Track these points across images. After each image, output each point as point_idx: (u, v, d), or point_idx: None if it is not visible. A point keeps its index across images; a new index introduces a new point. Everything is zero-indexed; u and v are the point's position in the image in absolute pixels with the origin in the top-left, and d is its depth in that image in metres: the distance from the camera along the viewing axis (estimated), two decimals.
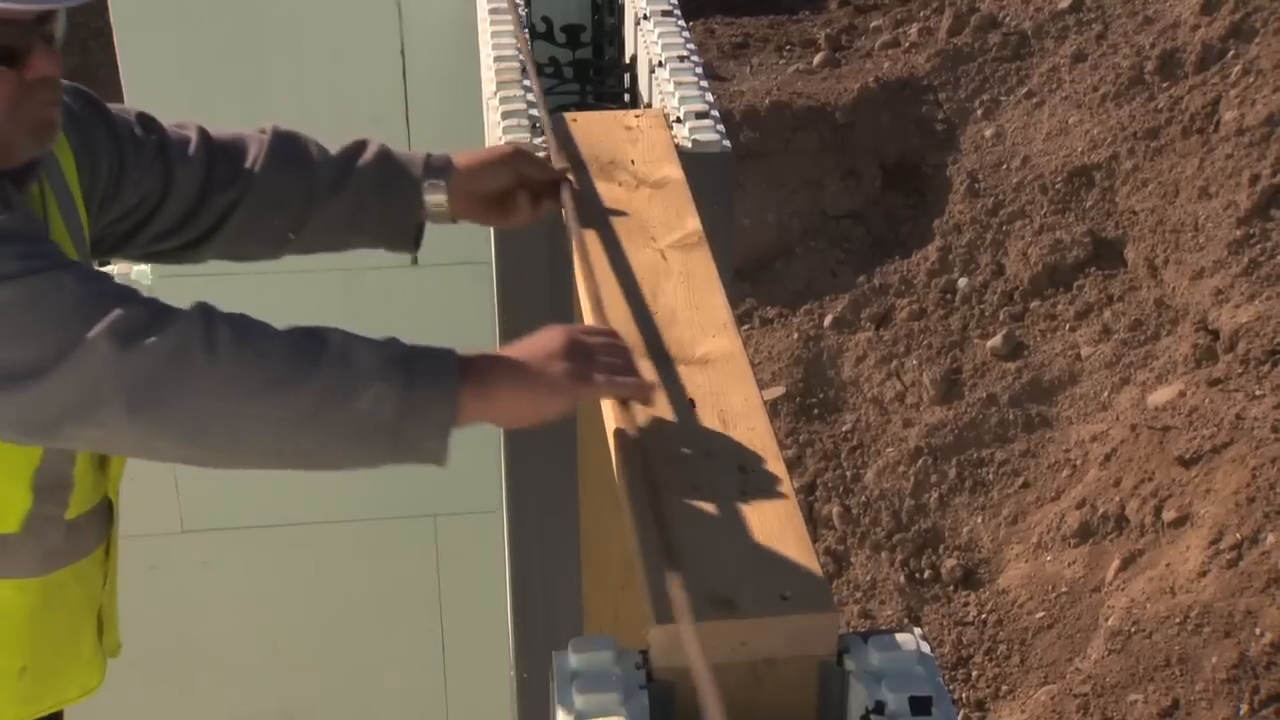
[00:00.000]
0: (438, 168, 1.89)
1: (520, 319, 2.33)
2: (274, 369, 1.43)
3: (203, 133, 1.91)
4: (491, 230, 2.30)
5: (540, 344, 1.50)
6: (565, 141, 2.10)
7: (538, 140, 2.21)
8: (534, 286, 2.27)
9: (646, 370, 1.62)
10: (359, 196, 1.89)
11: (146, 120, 1.89)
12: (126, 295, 1.48)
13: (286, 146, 1.90)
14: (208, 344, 1.43)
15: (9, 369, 1.43)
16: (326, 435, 1.45)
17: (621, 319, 1.71)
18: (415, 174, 1.88)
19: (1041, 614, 5.19)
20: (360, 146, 1.91)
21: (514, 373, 1.49)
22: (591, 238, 1.88)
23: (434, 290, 3.66)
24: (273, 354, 1.44)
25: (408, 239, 1.94)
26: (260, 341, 1.45)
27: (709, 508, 1.39)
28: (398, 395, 1.45)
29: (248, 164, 1.88)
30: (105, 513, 1.87)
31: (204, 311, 1.47)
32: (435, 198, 1.88)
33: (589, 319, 1.74)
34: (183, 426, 1.43)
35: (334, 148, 1.92)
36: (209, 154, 1.88)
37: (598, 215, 1.93)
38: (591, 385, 1.46)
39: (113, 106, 1.90)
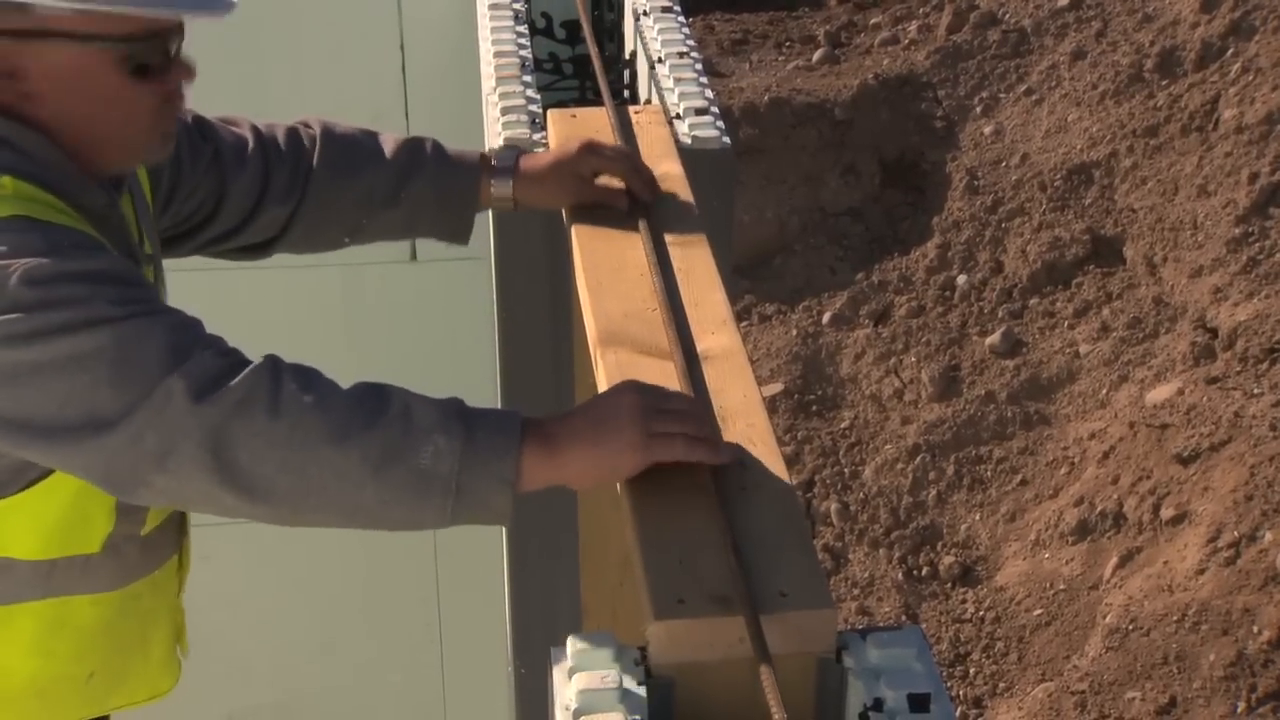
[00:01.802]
0: (503, 169, 1.89)
1: (519, 314, 2.33)
2: (336, 423, 1.42)
3: (257, 135, 1.89)
4: (491, 226, 2.30)
5: (613, 403, 1.47)
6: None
7: (536, 136, 2.21)
8: (533, 282, 2.27)
9: (653, 365, 1.62)
10: (415, 206, 1.90)
11: (201, 124, 1.88)
12: (207, 344, 1.48)
13: (341, 157, 1.89)
14: (273, 396, 1.42)
15: (95, 416, 1.43)
16: (388, 490, 1.43)
17: (621, 315, 1.71)
18: (474, 179, 1.89)
19: (1039, 611, 5.19)
20: (416, 151, 1.89)
21: (583, 432, 1.45)
22: (590, 233, 1.89)
23: (433, 285, 3.66)
24: (335, 408, 1.44)
25: (463, 235, 1.96)
26: (324, 396, 1.44)
27: (708, 504, 1.39)
28: (459, 450, 1.44)
29: (303, 173, 1.88)
30: (178, 524, 1.87)
31: (273, 364, 1.46)
32: (501, 194, 1.90)
33: (588, 317, 1.74)
34: (247, 479, 1.43)
35: (389, 146, 1.90)
36: (265, 162, 1.87)
37: (600, 211, 1.93)
38: (664, 448, 1.43)
39: None
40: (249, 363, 1.47)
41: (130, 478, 1.46)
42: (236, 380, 1.43)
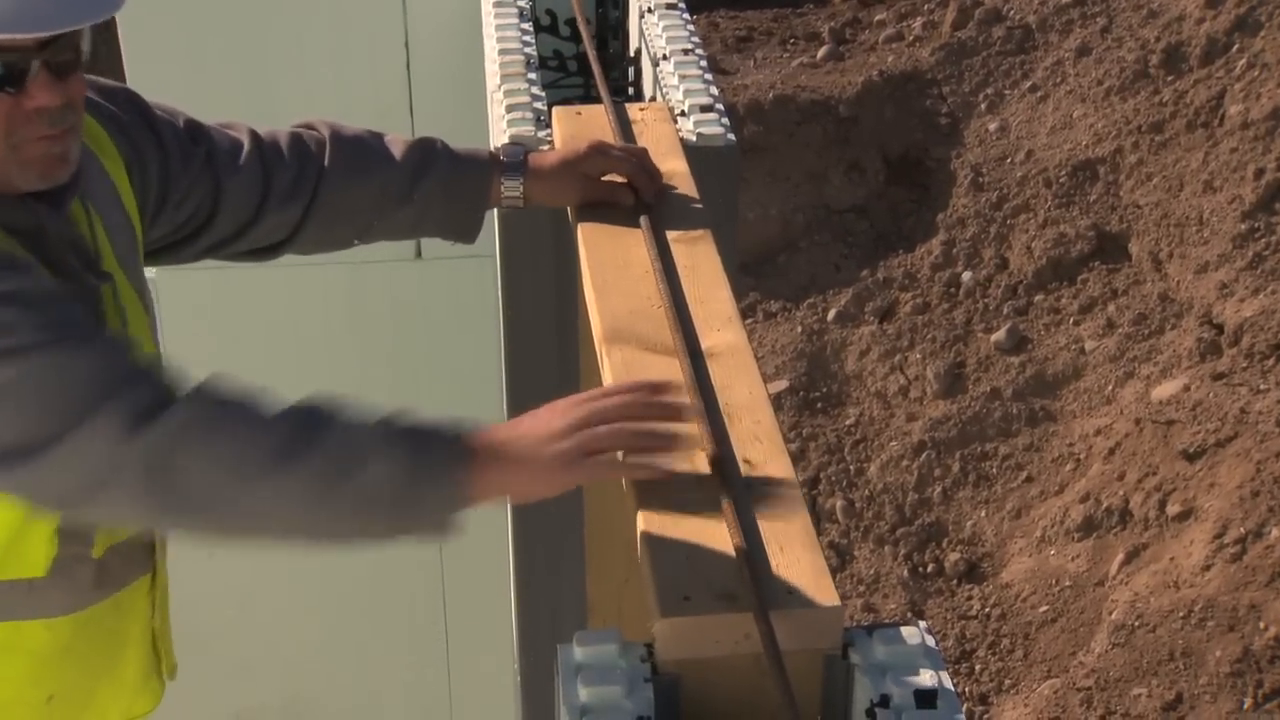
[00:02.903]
0: (513, 166, 1.88)
1: (524, 312, 2.33)
2: (276, 447, 1.41)
3: (255, 139, 1.86)
4: (496, 224, 2.30)
5: (541, 422, 1.43)
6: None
7: (541, 133, 2.21)
8: (538, 280, 2.27)
9: (658, 362, 1.61)
10: (426, 205, 1.89)
11: (195, 128, 1.85)
12: (136, 376, 1.44)
13: (353, 158, 1.87)
14: (209, 424, 1.41)
15: (21, 442, 1.40)
16: (334, 510, 1.42)
17: (626, 313, 1.71)
18: (485, 177, 1.88)
19: (1045, 608, 5.19)
20: (427, 150, 1.88)
21: (508, 454, 1.42)
22: (596, 231, 1.88)
23: (438, 284, 3.66)
24: (276, 432, 1.42)
25: (471, 233, 1.95)
26: (263, 420, 1.43)
27: (714, 500, 1.39)
28: (404, 468, 1.41)
29: (311, 175, 1.85)
30: (146, 545, 1.82)
31: (208, 390, 1.44)
32: (511, 192, 1.89)
33: (593, 314, 1.74)
34: (188, 505, 1.41)
35: (398, 146, 1.88)
36: (264, 165, 1.84)
37: (605, 208, 1.93)
38: (584, 470, 1.40)
39: (159, 108, 1.85)
40: (183, 389, 1.44)
41: (61, 502, 1.45)
42: (170, 410, 1.40)
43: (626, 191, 1.88)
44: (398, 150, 1.89)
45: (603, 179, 1.89)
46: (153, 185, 1.79)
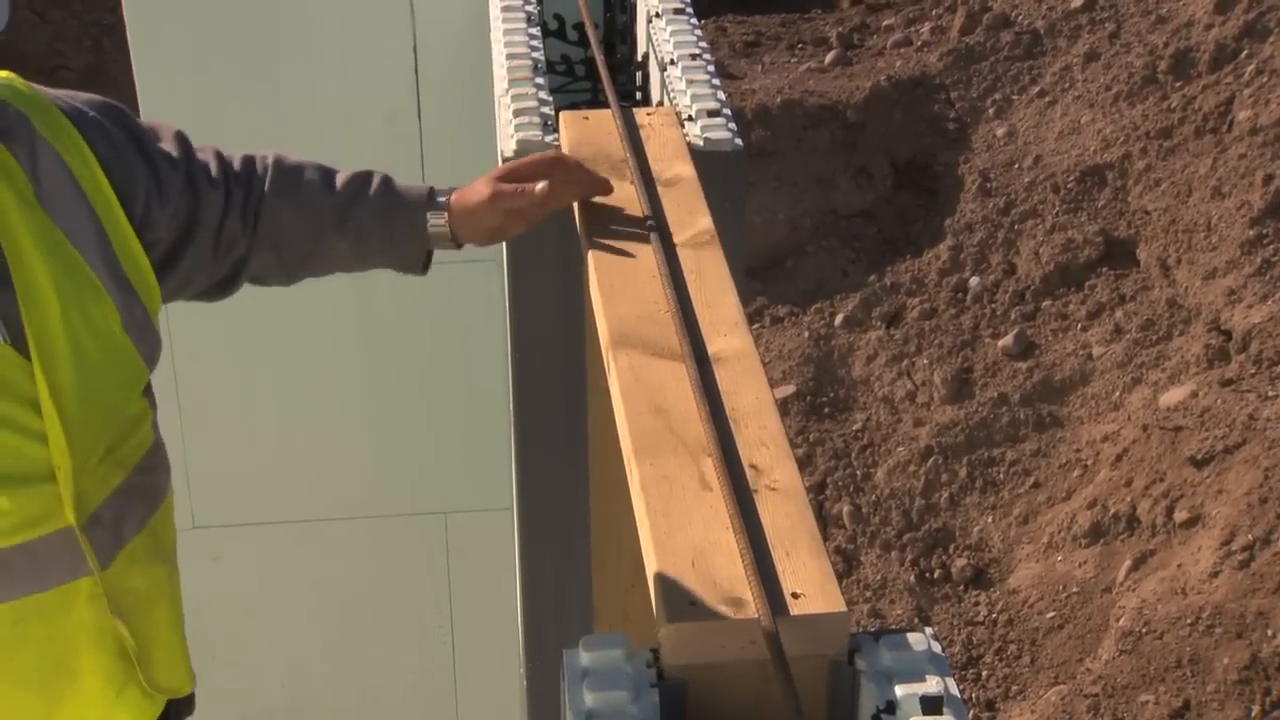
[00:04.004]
0: (437, 205, 1.90)
1: (531, 317, 2.33)
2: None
3: (219, 158, 1.89)
4: None
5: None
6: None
7: (549, 138, 2.21)
8: (545, 285, 2.27)
9: (665, 367, 1.62)
10: (361, 237, 1.91)
11: (183, 145, 1.86)
12: None
13: (289, 184, 1.89)
14: None
15: None
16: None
17: (631, 318, 1.71)
18: (415, 212, 1.89)
19: (1052, 614, 5.18)
20: (363, 183, 1.91)
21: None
22: (602, 235, 1.88)
23: (445, 288, 3.66)
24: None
25: (416, 265, 1.96)
26: None
27: (720, 506, 1.39)
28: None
29: (255, 196, 1.88)
30: (69, 545, 1.75)
31: None
32: (437, 228, 1.90)
33: (600, 319, 1.74)
34: None
35: (339, 177, 1.91)
36: (226, 183, 1.87)
37: (609, 213, 1.93)
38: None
39: (148, 125, 1.85)
40: None
41: None
42: None
43: (542, 184, 1.85)
44: (337, 180, 1.91)
45: (522, 191, 1.86)
46: (139, 199, 1.78)
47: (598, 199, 1.97)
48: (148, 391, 1.83)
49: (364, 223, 1.89)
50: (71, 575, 1.77)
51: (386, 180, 1.92)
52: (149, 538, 1.86)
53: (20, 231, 1.66)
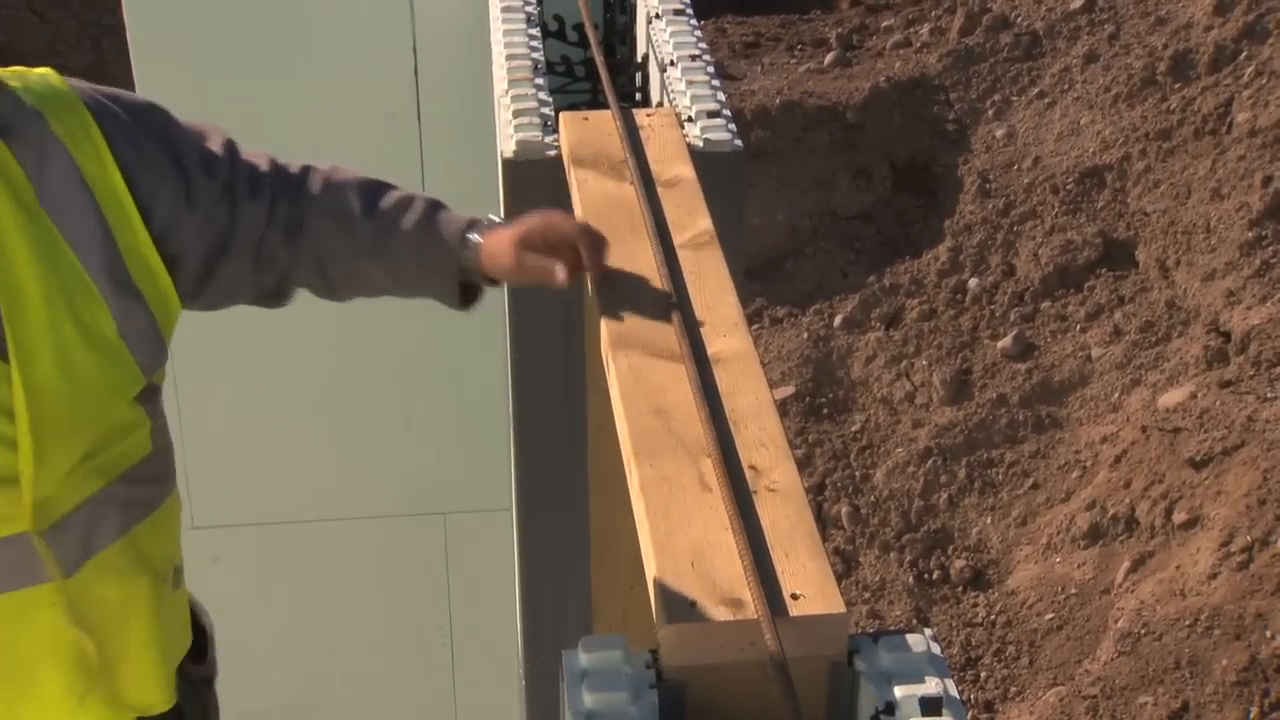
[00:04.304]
0: (471, 244, 1.84)
1: (530, 318, 2.33)
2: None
3: (269, 169, 1.84)
4: None
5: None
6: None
7: (548, 138, 2.21)
8: (545, 289, 2.26)
9: (665, 367, 1.62)
10: (396, 266, 1.86)
11: (228, 153, 1.82)
12: None
13: (332, 203, 1.86)
14: None
15: None
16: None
17: (633, 320, 1.71)
18: (449, 248, 1.84)
19: (1051, 615, 5.18)
20: (404, 209, 1.85)
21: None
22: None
23: None
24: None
25: (450, 300, 1.90)
26: None
27: (720, 507, 1.39)
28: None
29: (301, 209, 1.85)
30: (25, 550, 1.71)
31: None
32: (469, 266, 1.85)
33: (599, 320, 1.74)
34: None
35: (385, 202, 1.86)
36: (273, 193, 1.83)
37: (610, 214, 1.93)
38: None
39: (195, 129, 1.81)
40: None
41: None
42: None
43: (561, 268, 1.79)
44: (380, 205, 1.87)
45: (542, 254, 1.80)
46: (164, 199, 1.75)
47: (600, 197, 1.98)
48: (148, 399, 1.78)
49: (398, 251, 1.85)
50: (30, 581, 1.73)
51: (429, 210, 1.86)
52: (127, 549, 1.80)
53: (10, 233, 1.64)
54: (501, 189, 2.28)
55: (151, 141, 1.76)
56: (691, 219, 1.91)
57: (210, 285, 1.84)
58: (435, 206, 1.87)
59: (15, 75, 1.70)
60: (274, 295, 1.92)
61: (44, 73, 1.73)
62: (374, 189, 1.89)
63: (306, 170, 1.89)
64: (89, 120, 1.71)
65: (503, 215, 2.28)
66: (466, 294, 1.89)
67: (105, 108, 1.74)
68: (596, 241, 1.79)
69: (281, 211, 1.84)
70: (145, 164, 1.74)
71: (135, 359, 1.73)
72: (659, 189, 1.99)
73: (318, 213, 1.86)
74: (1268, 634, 4.59)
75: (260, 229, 1.83)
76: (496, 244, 1.82)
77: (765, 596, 1.26)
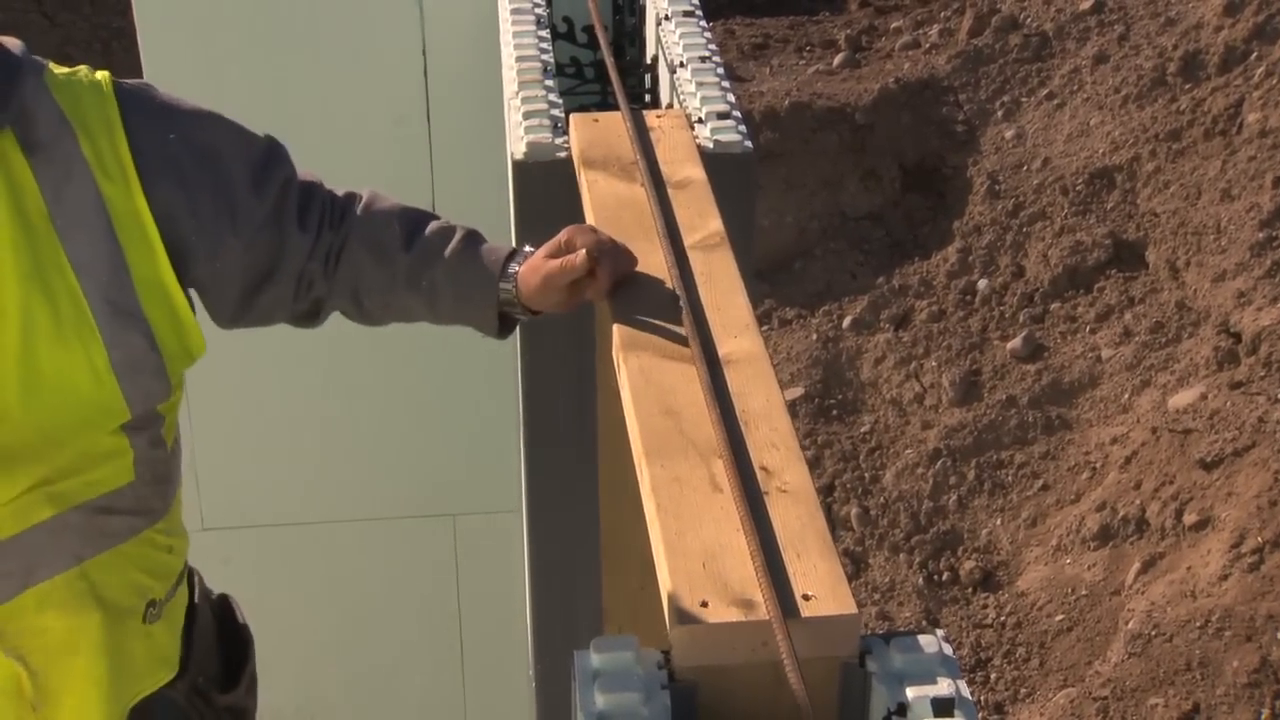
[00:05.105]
0: (510, 274, 1.81)
1: (540, 320, 2.33)
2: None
3: (318, 196, 1.82)
4: (512, 229, 2.30)
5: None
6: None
7: (558, 140, 2.21)
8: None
9: (675, 369, 1.62)
10: (435, 296, 1.85)
11: (281, 175, 1.78)
12: None
13: (371, 233, 1.83)
14: None
15: None
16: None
17: (644, 321, 1.71)
18: (488, 280, 1.81)
19: (1061, 617, 5.17)
20: (444, 239, 1.83)
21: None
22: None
23: None
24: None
25: (489, 329, 1.89)
26: None
27: (731, 508, 1.39)
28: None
29: (338, 245, 1.82)
30: None
31: None
32: (507, 299, 1.83)
33: (613, 323, 1.74)
34: None
35: (426, 232, 1.83)
36: (320, 224, 1.81)
37: (620, 215, 1.93)
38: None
39: (256, 144, 1.78)
40: None
41: None
42: None
43: (593, 288, 1.77)
44: (421, 235, 1.84)
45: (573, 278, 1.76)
46: (196, 225, 1.71)
47: (611, 199, 1.98)
48: (138, 429, 1.72)
49: (436, 283, 1.83)
50: None
51: (469, 239, 1.84)
52: (77, 580, 1.73)
53: (2, 251, 1.59)
54: (511, 191, 2.28)
55: (196, 163, 1.72)
56: (702, 220, 1.91)
57: (250, 311, 1.83)
58: (474, 238, 1.85)
59: (63, 82, 1.66)
60: (308, 317, 1.91)
61: (96, 80, 1.69)
62: (414, 220, 1.86)
63: (350, 198, 1.86)
64: (122, 142, 1.66)
65: (512, 217, 2.29)
66: (505, 323, 1.87)
67: (149, 127, 1.69)
68: (617, 253, 1.76)
69: (325, 240, 1.82)
70: (186, 189, 1.70)
71: (123, 390, 1.67)
72: (669, 190, 1.99)
73: (357, 244, 1.83)
74: (1279, 635, 4.58)
75: (304, 259, 1.81)
76: (530, 269, 1.78)
77: (777, 597, 1.26)
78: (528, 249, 1.83)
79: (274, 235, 1.78)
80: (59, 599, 1.73)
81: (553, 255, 1.77)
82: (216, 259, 1.75)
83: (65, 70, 1.69)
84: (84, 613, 1.76)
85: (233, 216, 1.75)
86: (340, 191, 1.87)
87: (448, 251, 1.83)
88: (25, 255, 1.61)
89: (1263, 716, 4.41)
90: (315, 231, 1.81)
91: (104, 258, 1.65)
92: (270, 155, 1.81)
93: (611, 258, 1.75)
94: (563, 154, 2.19)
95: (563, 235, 1.78)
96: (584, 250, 1.73)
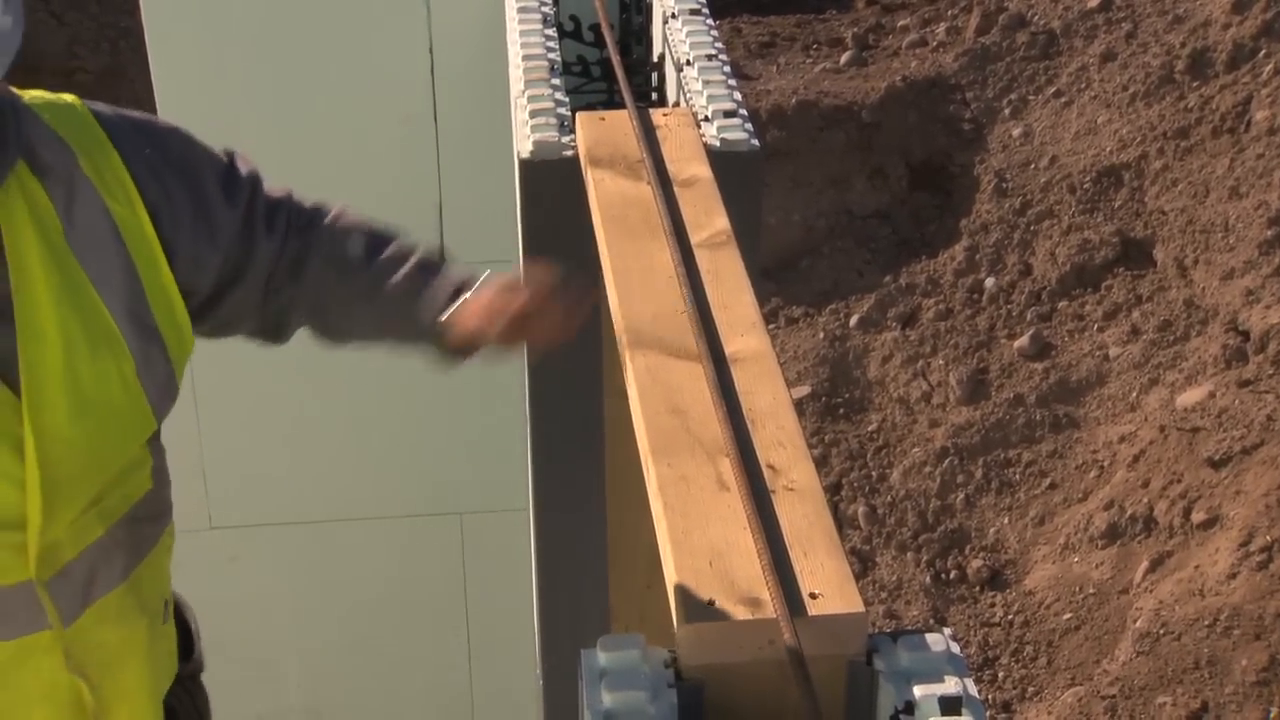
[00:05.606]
0: (459, 301, 1.78)
1: None
2: None
3: (287, 206, 1.82)
4: (520, 228, 2.30)
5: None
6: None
7: (565, 139, 2.21)
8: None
9: (682, 367, 1.62)
10: (384, 317, 1.84)
11: (251, 187, 1.79)
12: None
13: (336, 247, 1.83)
14: None
15: None
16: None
17: (649, 318, 1.71)
18: (440, 298, 1.78)
19: (1069, 615, 5.17)
20: (401, 259, 1.81)
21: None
22: (619, 236, 1.89)
23: None
24: None
25: (431, 354, 1.83)
26: None
27: (738, 506, 1.39)
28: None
29: (303, 255, 1.83)
30: (29, 598, 1.69)
31: None
32: (446, 325, 1.79)
33: (616, 319, 1.74)
34: None
35: (385, 252, 1.81)
36: (287, 231, 1.81)
37: (627, 213, 1.93)
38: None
39: (220, 158, 1.79)
40: None
41: None
42: None
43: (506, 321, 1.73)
44: (381, 253, 1.83)
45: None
46: (186, 237, 1.73)
47: (617, 197, 1.98)
48: (153, 437, 1.77)
49: (385, 307, 1.81)
50: (31, 629, 1.72)
51: (423, 266, 1.81)
52: (129, 594, 1.79)
53: (35, 274, 1.62)
54: (518, 189, 2.28)
55: (175, 177, 1.74)
56: (708, 218, 1.91)
57: (216, 311, 1.81)
58: (428, 266, 1.81)
59: (45, 105, 1.68)
60: (274, 330, 1.89)
61: (71, 102, 1.71)
62: (377, 238, 1.84)
63: (317, 210, 1.87)
64: (116, 159, 1.68)
65: (519, 215, 2.29)
66: (454, 353, 1.82)
67: (131, 142, 1.71)
68: (568, 298, 1.73)
69: (291, 248, 1.82)
70: (170, 201, 1.72)
71: (150, 404, 1.70)
72: (676, 189, 1.99)
73: (321, 255, 1.83)
74: None
75: (271, 262, 1.81)
76: (477, 299, 1.75)
77: (784, 595, 1.26)
78: (486, 276, 1.80)
79: (245, 241, 1.79)
80: (114, 612, 1.78)
81: (505, 290, 1.75)
82: (194, 265, 1.76)
83: (37, 94, 1.70)
84: (133, 622, 1.82)
85: (210, 225, 1.76)
86: (308, 202, 1.87)
87: (399, 274, 1.81)
88: (55, 276, 1.63)
89: (1271, 715, 4.40)
90: (282, 236, 1.82)
91: (119, 272, 1.68)
92: (234, 164, 1.82)
93: (562, 301, 1.73)
94: (569, 152, 2.19)
95: (518, 274, 1.78)
96: (536, 287, 1.72)
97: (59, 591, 1.71)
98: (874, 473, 5.87)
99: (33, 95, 1.69)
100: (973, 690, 1.23)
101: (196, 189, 1.75)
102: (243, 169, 1.82)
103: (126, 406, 1.69)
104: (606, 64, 2.95)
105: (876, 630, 1.29)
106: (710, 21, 2.55)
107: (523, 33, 2.52)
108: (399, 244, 1.85)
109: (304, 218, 1.85)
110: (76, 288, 1.65)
